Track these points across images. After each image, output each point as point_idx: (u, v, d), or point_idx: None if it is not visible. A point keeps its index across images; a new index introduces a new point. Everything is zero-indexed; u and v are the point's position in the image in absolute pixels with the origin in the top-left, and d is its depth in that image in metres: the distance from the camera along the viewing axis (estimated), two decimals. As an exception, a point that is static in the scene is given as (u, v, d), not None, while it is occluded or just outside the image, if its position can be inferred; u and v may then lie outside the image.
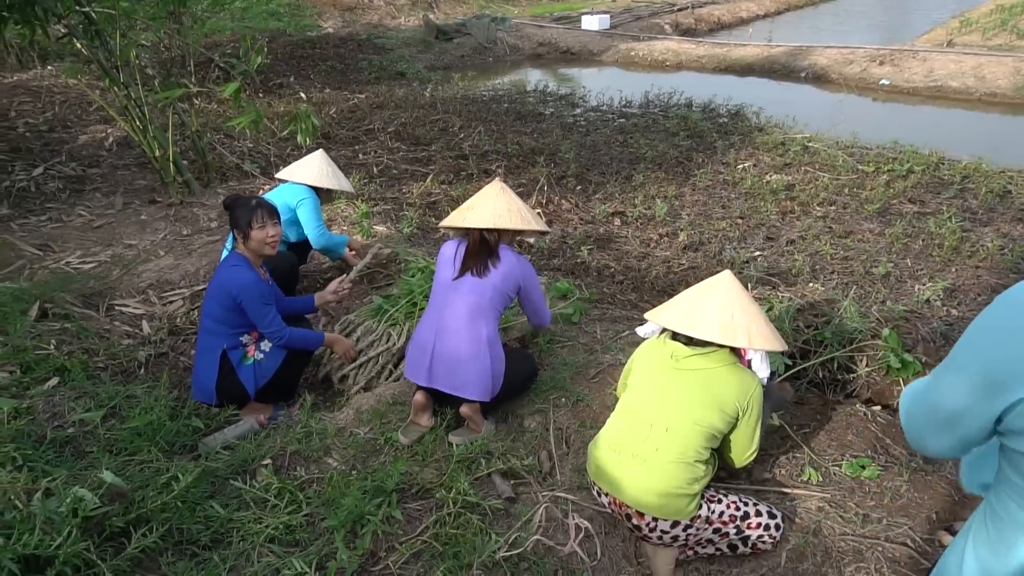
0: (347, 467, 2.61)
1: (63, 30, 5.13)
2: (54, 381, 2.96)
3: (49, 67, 9.19)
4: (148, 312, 3.94)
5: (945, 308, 4.18)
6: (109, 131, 6.92)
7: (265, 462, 2.61)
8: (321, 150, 4.22)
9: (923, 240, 5.15)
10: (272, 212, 3.07)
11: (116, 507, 2.14)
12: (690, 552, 2.28)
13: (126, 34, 5.26)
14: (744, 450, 2.29)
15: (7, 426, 2.43)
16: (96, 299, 3.97)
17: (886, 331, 2.87)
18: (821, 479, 2.49)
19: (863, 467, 2.48)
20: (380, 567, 2.18)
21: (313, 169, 3.98)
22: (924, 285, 4.53)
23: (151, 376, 3.32)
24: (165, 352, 3.59)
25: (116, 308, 3.95)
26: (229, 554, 2.19)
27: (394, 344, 3.27)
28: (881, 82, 10.57)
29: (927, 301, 4.21)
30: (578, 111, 8.99)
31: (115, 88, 5.17)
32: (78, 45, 5.28)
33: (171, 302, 4.07)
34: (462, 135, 7.65)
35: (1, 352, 3.02)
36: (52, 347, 3.22)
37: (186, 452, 2.75)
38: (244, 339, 3.06)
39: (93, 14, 4.82)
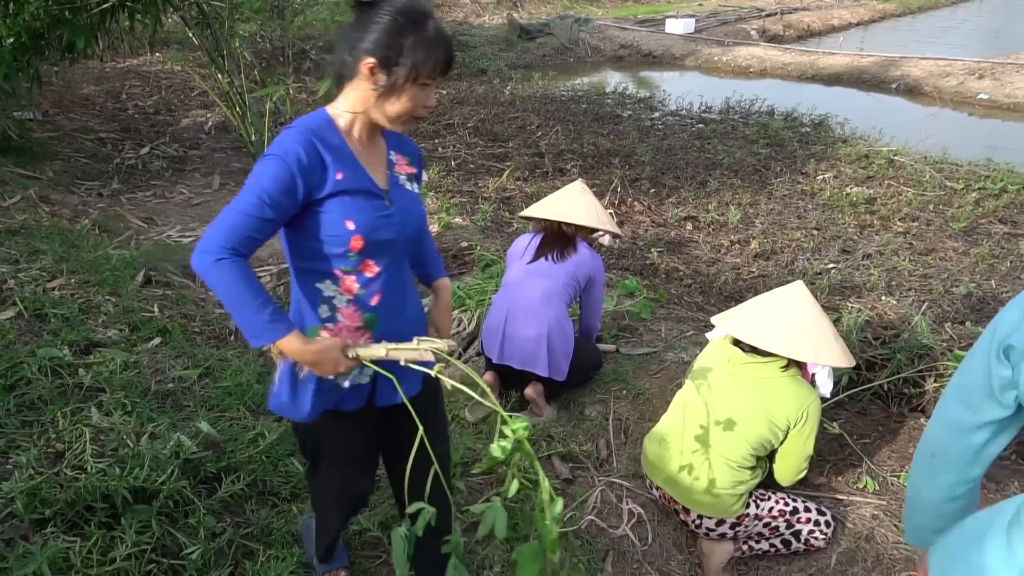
0: (415, 439, 2.78)
1: (177, 20, 5.53)
2: (157, 340, 3.24)
3: (157, 53, 9.83)
4: (239, 285, 4.24)
5: (1029, 333, 4.04)
6: (208, 116, 7.39)
7: (341, 428, 2.80)
8: None
9: (1011, 262, 4.96)
10: None
11: (210, 454, 2.36)
12: (744, 548, 2.33)
13: (231, 25, 5.62)
14: (792, 467, 2.24)
15: (119, 376, 2.71)
16: (193, 270, 4.30)
17: (956, 351, 2.84)
18: (878, 488, 2.50)
19: (922, 480, 2.47)
20: (442, 532, 2.33)
21: None
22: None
23: (240, 343, 3.58)
24: (253, 322, 3.85)
25: (211, 280, 4.26)
26: (306, 507, 2.38)
27: (464, 328, 3.43)
28: (979, 96, 10.11)
29: (1010, 324, 4.08)
30: (656, 115, 8.98)
31: (219, 75, 5.54)
32: (189, 34, 5.68)
33: (259, 278, 4.34)
34: (539, 133, 7.77)
35: (113, 312, 3.34)
36: (156, 310, 3.52)
37: (270, 414, 2.97)
38: None
39: (205, 6, 5.19)
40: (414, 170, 1.74)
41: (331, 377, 1.58)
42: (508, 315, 2.79)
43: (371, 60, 1.47)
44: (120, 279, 3.64)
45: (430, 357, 1.51)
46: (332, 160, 1.51)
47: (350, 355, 1.51)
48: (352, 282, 1.58)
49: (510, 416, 1.33)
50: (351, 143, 1.57)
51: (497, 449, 1.30)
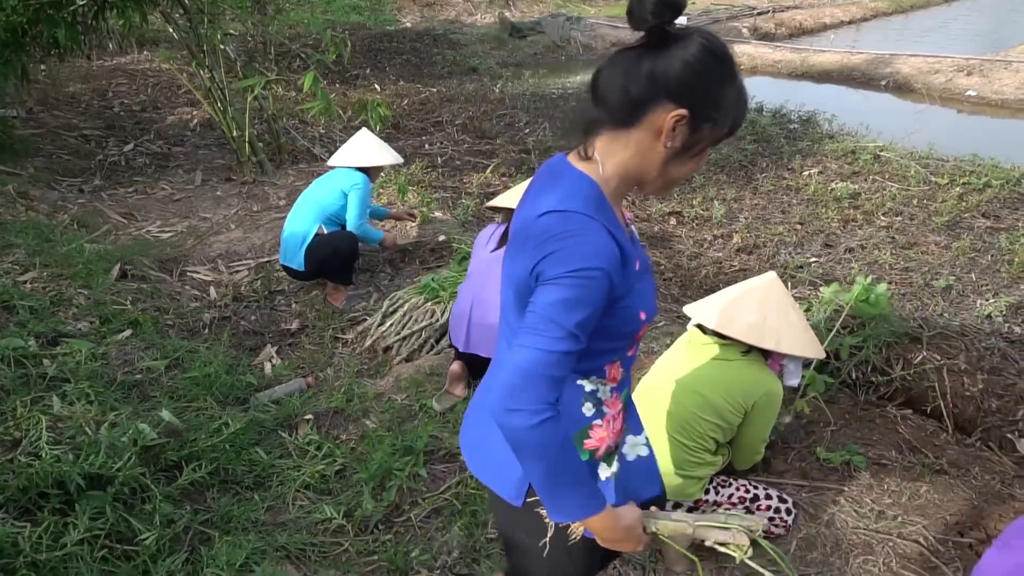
0: (382, 429, 2.77)
1: (160, 17, 5.52)
2: (127, 333, 3.24)
3: (145, 52, 9.82)
4: (216, 279, 4.23)
5: (1008, 325, 4.05)
6: (194, 113, 7.38)
7: (307, 417, 2.80)
8: (365, 129, 4.22)
9: (992, 255, 4.97)
10: None
11: (171, 442, 2.36)
12: (703, 535, 2.32)
13: (214, 21, 5.61)
14: (748, 450, 2.24)
15: (84, 366, 2.70)
16: (171, 265, 4.29)
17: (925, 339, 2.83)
18: (840, 475, 2.50)
19: (884, 466, 2.48)
20: (403, 519, 2.33)
21: (367, 150, 4.01)
22: (987, 301, 4.38)
23: (214, 336, 3.58)
24: (228, 316, 3.85)
25: (188, 274, 4.25)
26: (268, 495, 2.38)
27: (437, 320, 3.42)
28: (967, 93, 10.13)
29: (988, 316, 4.09)
30: (645, 112, 8.97)
31: (201, 71, 5.53)
32: (171, 31, 5.67)
33: (237, 272, 4.35)
34: (527, 130, 7.77)
35: (84, 304, 3.33)
36: (128, 303, 3.52)
37: (238, 404, 2.96)
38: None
39: (186, 2, 5.19)
40: None
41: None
42: (473, 303, 2.79)
43: (682, 111, 1.10)
44: (93, 273, 3.63)
45: (745, 540, 1.24)
46: (628, 248, 1.17)
47: (650, 529, 1.26)
48: (618, 368, 1.30)
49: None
50: (618, 216, 1.22)
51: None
